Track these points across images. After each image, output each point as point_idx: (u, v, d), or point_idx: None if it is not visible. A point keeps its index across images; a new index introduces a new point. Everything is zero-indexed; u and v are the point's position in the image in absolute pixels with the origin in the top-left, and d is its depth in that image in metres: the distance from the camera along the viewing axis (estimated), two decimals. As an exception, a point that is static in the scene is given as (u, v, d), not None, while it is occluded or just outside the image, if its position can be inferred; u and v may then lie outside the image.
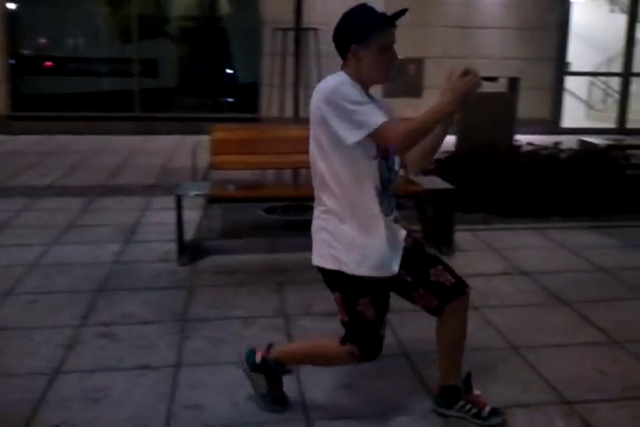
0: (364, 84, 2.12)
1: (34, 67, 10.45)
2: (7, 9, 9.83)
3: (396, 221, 2.21)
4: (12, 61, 10.03)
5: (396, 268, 2.17)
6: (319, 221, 2.19)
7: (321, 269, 2.21)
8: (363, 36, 2.07)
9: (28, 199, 5.63)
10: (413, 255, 2.24)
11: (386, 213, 2.13)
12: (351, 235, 2.11)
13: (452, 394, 2.36)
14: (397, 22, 2.09)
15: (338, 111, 1.98)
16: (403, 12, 2.06)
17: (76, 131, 9.64)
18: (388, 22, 2.07)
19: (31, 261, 4.01)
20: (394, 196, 2.19)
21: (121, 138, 9.48)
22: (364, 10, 2.12)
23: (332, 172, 2.09)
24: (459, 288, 2.26)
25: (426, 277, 2.23)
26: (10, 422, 2.32)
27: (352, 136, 1.98)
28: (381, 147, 2.07)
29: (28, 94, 10.29)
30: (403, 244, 2.22)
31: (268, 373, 2.37)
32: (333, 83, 2.04)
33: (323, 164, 2.10)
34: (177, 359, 2.78)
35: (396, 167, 2.18)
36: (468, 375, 2.38)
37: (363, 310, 2.16)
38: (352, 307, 2.16)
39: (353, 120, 1.97)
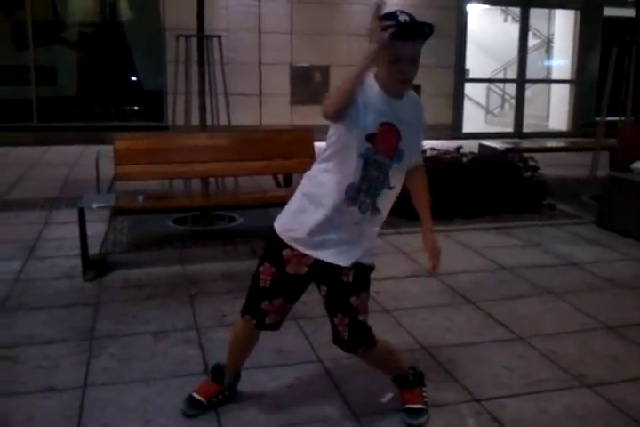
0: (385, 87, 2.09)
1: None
2: None
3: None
4: None
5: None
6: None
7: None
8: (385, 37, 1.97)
9: None
10: (337, 291, 2.26)
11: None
12: None
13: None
14: (410, 37, 2.01)
15: None
16: (417, 25, 1.99)
17: (-31, 142, 9.12)
18: (395, 33, 1.93)
19: None
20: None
21: (19, 149, 9.05)
22: (390, 14, 2.00)
23: None
24: (351, 347, 2.30)
25: (332, 316, 2.29)
26: None
27: None
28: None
29: None
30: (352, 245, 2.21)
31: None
32: None
33: None
34: (84, 380, 2.67)
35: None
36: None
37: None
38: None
39: None
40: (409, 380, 2.45)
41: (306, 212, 2.19)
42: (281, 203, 4.87)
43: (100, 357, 2.88)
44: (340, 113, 1.98)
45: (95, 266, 3.99)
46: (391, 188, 2.20)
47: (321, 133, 5.71)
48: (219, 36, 5.45)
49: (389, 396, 2.53)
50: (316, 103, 10.73)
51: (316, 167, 2.21)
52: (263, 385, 2.64)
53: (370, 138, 2.08)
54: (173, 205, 4.67)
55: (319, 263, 2.21)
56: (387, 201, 2.22)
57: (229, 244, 4.64)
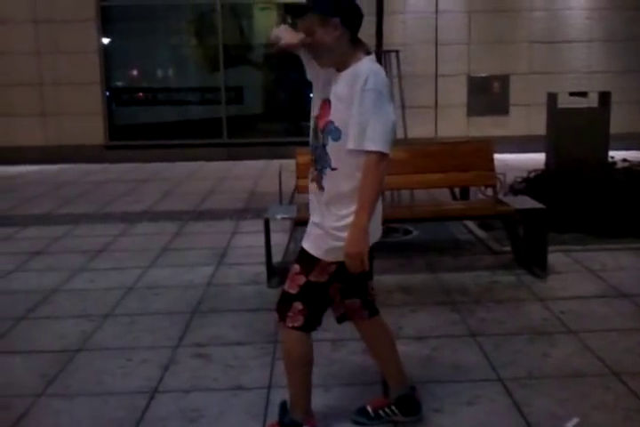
0: None
1: (127, 98, 11.02)
2: (102, 44, 10.45)
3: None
4: (107, 93, 10.62)
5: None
6: None
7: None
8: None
9: (124, 225, 5.91)
10: None
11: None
12: None
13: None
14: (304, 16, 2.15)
15: None
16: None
17: (168, 158, 10.07)
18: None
19: (129, 284, 4.19)
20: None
21: (210, 164, 9.82)
22: None
23: None
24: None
25: None
26: (112, 440, 2.42)
27: None
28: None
29: (122, 125, 10.85)
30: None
31: None
32: None
33: None
34: (269, 381, 2.82)
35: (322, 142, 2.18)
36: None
37: None
38: None
39: None
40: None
41: None
42: (457, 216, 4.88)
43: (282, 360, 3.01)
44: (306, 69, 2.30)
45: (278, 274, 4.20)
46: (333, 168, 2.13)
47: (500, 145, 5.52)
48: (397, 51, 5.53)
49: (575, 421, 2.39)
50: (495, 114, 10.56)
51: None
52: (440, 400, 2.61)
53: (318, 112, 2.21)
54: (351, 216, 4.77)
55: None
56: (330, 183, 2.15)
57: (405, 256, 4.66)
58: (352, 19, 2.17)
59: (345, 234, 2.11)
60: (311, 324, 2.25)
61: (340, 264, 2.16)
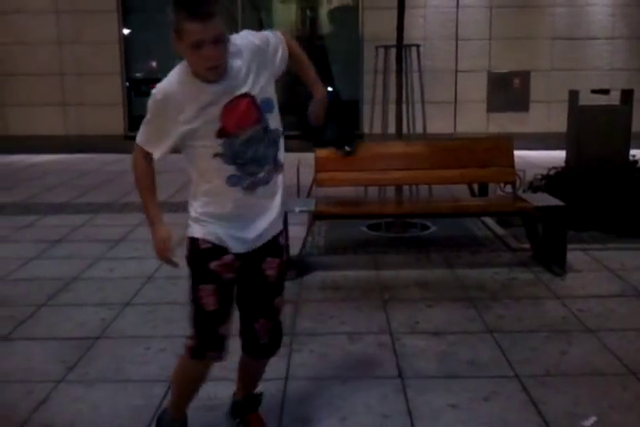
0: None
1: (147, 89, 11.07)
2: (123, 34, 10.50)
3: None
4: (127, 84, 10.67)
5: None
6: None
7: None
8: (175, 26, 1.76)
9: (143, 215, 5.91)
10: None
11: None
12: None
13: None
14: (212, 15, 1.71)
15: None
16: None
17: (186, 149, 10.10)
18: (190, 13, 1.66)
19: (148, 274, 4.23)
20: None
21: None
22: None
23: None
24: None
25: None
26: (131, 427, 2.45)
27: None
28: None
29: (141, 115, 10.86)
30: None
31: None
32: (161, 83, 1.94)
33: None
34: (286, 372, 2.84)
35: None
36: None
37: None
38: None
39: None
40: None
41: None
42: (475, 212, 4.87)
43: (300, 352, 3.04)
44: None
45: (296, 266, 4.22)
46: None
47: (519, 142, 5.47)
48: (417, 46, 5.51)
49: (593, 419, 2.38)
50: (515, 110, 10.48)
51: None
52: (456, 395, 2.62)
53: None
54: (368, 211, 4.78)
55: None
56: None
57: (422, 252, 4.66)
58: None
59: None
60: None
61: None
